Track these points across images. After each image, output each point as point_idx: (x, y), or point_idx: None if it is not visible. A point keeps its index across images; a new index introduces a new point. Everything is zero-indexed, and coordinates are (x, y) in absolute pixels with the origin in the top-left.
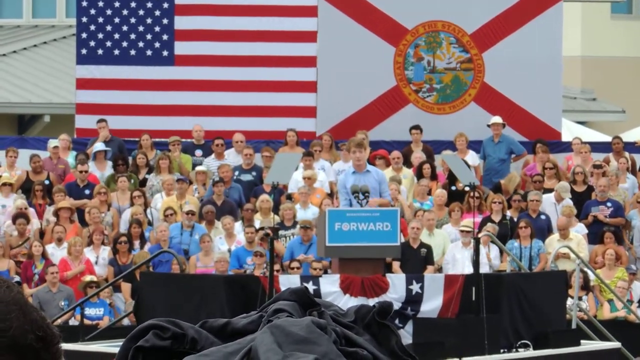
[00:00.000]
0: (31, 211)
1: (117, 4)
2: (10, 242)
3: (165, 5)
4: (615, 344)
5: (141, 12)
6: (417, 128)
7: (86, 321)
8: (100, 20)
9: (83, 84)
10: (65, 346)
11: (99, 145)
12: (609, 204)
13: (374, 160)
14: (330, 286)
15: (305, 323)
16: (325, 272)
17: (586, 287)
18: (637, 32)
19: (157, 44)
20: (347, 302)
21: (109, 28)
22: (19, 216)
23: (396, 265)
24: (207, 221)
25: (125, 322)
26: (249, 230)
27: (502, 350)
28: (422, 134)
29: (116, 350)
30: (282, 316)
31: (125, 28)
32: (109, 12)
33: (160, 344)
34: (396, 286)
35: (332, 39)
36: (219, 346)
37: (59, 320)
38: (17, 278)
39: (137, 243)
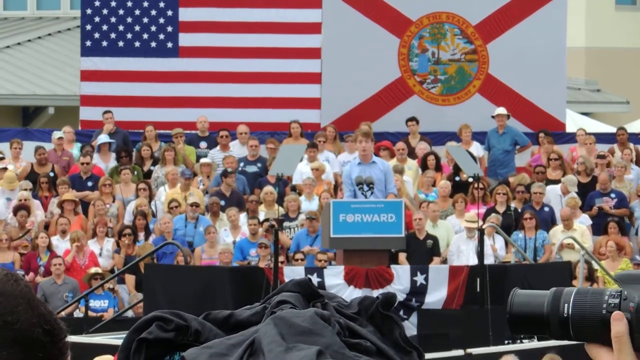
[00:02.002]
0: (36, 203)
1: None
2: (10, 233)
3: None
4: None
5: (145, 4)
6: (412, 120)
7: (90, 313)
8: (105, 12)
9: (87, 75)
10: (70, 338)
11: (102, 138)
12: (612, 195)
13: (379, 152)
14: (334, 278)
15: (309, 314)
16: (330, 264)
17: (591, 278)
18: None
19: (161, 36)
20: (352, 294)
21: (113, 20)
22: (20, 208)
23: (402, 256)
24: (212, 213)
25: (130, 314)
26: (252, 222)
27: (506, 342)
28: (419, 125)
29: (120, 342)
30: (285, 308)
31: (129, 20)
32: (113, 3)
33: (163, 336)
34: (401, 277)
35: (336, 30)
36: (222, 338)
37: (63, 312)
38: (21, 272)
39: (141, 235)
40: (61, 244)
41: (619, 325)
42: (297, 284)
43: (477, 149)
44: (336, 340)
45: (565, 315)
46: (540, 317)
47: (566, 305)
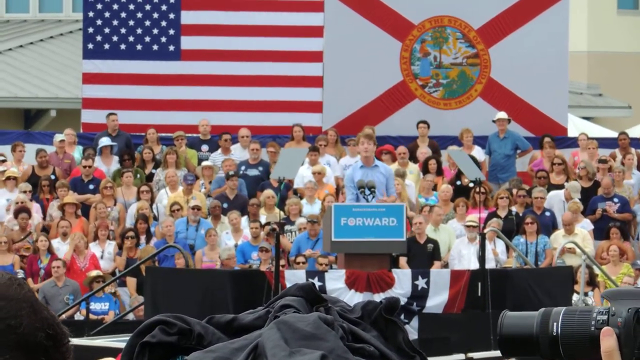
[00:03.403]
0: (35, 206)
1: None
2: (12, 236)
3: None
4: None
5: (148, 7)
6: (424, 123)
7: (91, 316)
8: (107, 14)
9: (89, 78)
10: (70, 341)
11: (104, 140)
12: (615, 200)
13: (380, 156)
14: (335, 282)
15: (312, 319)
16: (331, 267)
17: (592, 282)
18: None
19: (163, 39)
20: (353, 298)
21: (115, 22)
22: (21, 210)
23: (403, 260)
24: (214, 216)
25: (131, 317)
26: (253, 225)
27: None
28: (429, 129)
29: (122, 345)
30: (289, 312)
31: (131, 23)
32: (115, 6)
33: (166, 340)
34: (402, 281)
35: (338, 34)
36: (225, 342)
37: (64, 315)
38: (21, 273)
39: (143, 238)
40: (62, 247)
41: (608, 340)
42: (300, 288)
43: (478, 153)
44: (339, 344)
45: (554, 335)
46: (530, 338)
47: (555, 324)
